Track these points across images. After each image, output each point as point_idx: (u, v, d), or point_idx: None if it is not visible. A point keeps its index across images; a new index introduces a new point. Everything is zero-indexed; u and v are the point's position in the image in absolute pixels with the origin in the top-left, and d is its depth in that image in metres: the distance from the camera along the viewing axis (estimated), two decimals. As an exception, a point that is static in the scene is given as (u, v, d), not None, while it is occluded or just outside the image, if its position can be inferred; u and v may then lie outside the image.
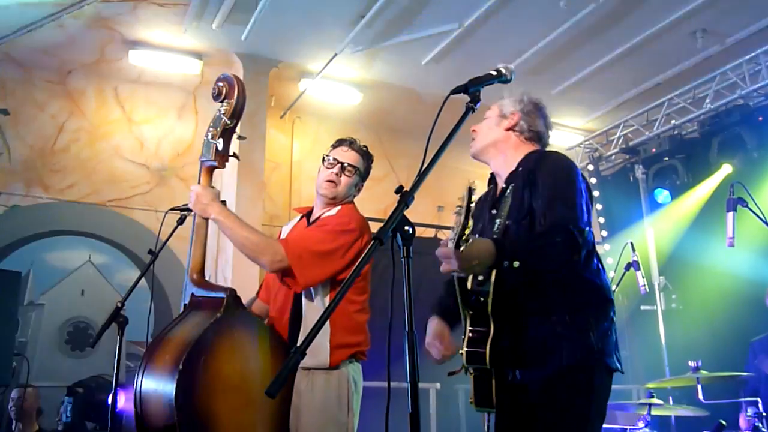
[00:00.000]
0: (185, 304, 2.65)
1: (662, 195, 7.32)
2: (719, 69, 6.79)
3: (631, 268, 4.78)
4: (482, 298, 2.26)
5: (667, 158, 7.32)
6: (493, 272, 2.22)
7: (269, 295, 3.02)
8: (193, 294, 2.63)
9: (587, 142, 8.65)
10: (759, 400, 3.98)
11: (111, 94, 8.06)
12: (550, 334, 2.24)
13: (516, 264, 2.09)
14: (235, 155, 2.77)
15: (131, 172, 7.97)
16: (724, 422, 3.88)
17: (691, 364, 4.20)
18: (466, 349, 2.30)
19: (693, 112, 7.06)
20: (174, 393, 2.29)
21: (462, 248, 1.99)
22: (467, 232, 1.97)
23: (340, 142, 3.12)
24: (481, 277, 2.26)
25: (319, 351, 2.70)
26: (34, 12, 6.54)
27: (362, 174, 3.09)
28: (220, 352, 2.47)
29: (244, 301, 2.73)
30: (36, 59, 7.54)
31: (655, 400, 4.30)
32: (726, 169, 6.59)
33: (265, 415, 2.56)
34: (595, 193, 7.96)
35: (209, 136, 2.71)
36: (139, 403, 2.43)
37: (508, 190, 2.46)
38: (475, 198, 1.97)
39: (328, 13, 6.70)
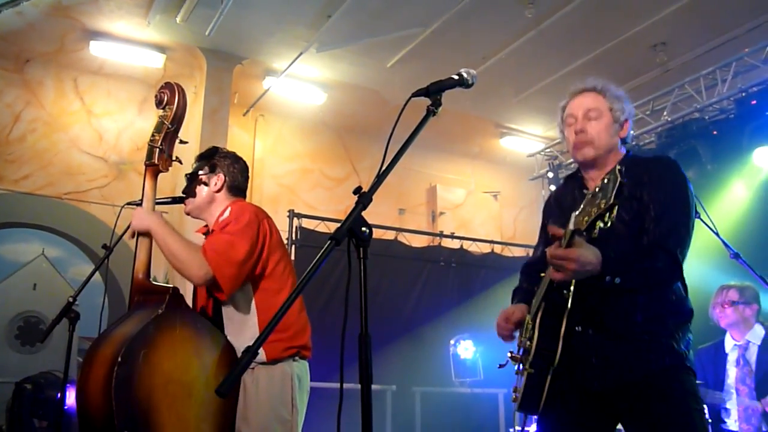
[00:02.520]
0: (129, 304, 2.70)
1: (619, 204, 7.44)
2: (677, 82, 6.95)
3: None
4: (564, 291, 2.22)
5: (625, 168, 7.44)
6: None
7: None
8: (137, 293, 2.68)
9: (548, 150, 8.76)
10: (705, 406, 4.07)
11: (70, 85, 7.91)
12: (636, 340, 2.24)
13: (617, 281, 2.10)
14: (177, 159, 2.90)
15: (89, 165, 7.83)
16: None
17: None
18: (536, 343, 2.21)
19: (651, 124, 7.20)
20: (113, 385, 2.32)
21: (579, 249, 1.97)
22: (609, 216, 1.87)
23: None
24: None
25: None
26: (-8, -2, 6.39)
27: (211, 167, 3.09)
28: (161, 346, 2.51)
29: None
30: (-7, 46, 7.36)
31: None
32: (681, 181, 6.73)
33: (209, 410, 2.57)
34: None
35: (152, 141, 2.85)
36: (80, 396, 2.46)
37: None
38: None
39: (294, 12, 6.68)
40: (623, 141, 2.53)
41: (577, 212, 1.99)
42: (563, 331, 2.20)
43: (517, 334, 2.47)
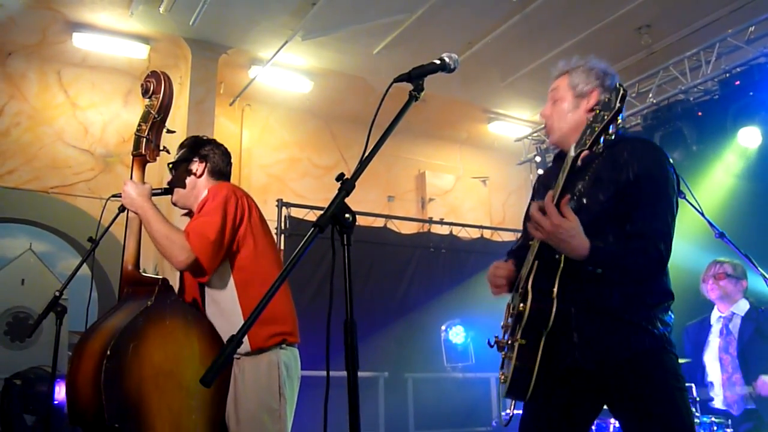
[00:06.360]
0: (119, 296, 2.70)
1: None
2: (662, 65, 6.97)
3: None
4: (556, 256, 2.19)
5: (612, 150, 7.48)
6: None
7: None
8: (126, 285, 2.68)
9: (535, 134, 8.77)
10: (693, 385, 4.12)
11: (54, 78, 7.84)
12: (616, 320, 2.23)
13: (599, 271, 2.10)
14: (165, 149, 2.92)
15: (75, 158, 7.78)
16: None
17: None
18: (530, 305, 2.16)
19: (637, 107, 7.22)
20: (103, 378, 2.32)
21: (574, 224, 1.97)
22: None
23: None
24: None
25: None
26: (-28, -9, 6.32)
27: (189, 158, 3.06)
28: (151, 338, 2.51)
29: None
30: (-26, 40, 7.28)
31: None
32: (667, 163, 6.76)
33: (199, 401, 2.58)
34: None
35: (139, 131, 2.86)
36: (70, 390, 2.45)
37: (589, 169, 2.35)
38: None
39: (278, 0, 6.63)
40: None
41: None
42: (556, 290, 2.17)
43: (505, 309, 2.47)
